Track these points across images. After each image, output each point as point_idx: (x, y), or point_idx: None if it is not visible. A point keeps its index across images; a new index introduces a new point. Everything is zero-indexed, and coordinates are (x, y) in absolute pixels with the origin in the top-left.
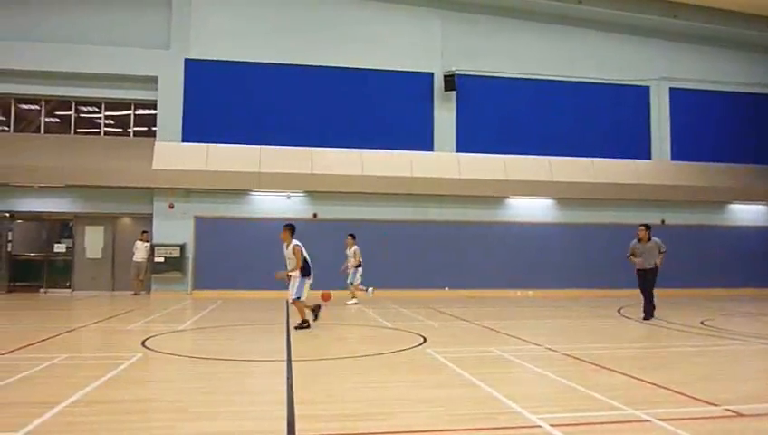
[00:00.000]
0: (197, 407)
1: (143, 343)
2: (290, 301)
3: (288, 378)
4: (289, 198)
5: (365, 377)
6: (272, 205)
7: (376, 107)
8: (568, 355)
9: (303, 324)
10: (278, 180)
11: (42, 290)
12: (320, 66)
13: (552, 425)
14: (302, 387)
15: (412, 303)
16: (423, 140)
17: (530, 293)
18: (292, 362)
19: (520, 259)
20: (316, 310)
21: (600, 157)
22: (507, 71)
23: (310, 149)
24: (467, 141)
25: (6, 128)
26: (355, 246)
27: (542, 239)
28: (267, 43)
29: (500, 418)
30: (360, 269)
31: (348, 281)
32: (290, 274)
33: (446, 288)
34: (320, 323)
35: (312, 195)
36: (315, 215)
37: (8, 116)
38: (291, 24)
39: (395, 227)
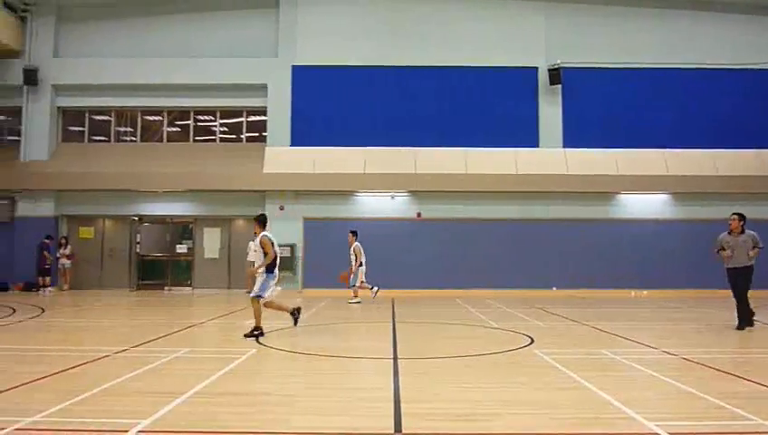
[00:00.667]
0: (308, 401)
1: (256, 339)
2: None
3: (395, 376)
4: (393, 198)
5: (471, 377)
6: (376, 205)
7: (480, 104)
8: (686, 359)
9: (255, 332)
10: (382, 181)
11: (166, 288)
12: (422, 66)
13: (670, 433)
14: (409, 385)
15: (518, 302)
16: (528, 137)
17: (644, 293)
18: (399, 361)
19: (632, 257)
20: (296, 313)
21: (722, 148)
22: (614, 61)
23: (413, 148)
24: (574, 136)
25: (134, 138)
26: (356, 243)
27: (657, 237)
28: (369, 45)
29: (615, 422)
30: (363, 268)
31: (350, 284)
32: (256, 270)
33: (554, 288)
34: (424, 322)
35: (416, 194)
36: (419, 214)
37: (135, 127)
38: (391, 25)
39: (499, 225)
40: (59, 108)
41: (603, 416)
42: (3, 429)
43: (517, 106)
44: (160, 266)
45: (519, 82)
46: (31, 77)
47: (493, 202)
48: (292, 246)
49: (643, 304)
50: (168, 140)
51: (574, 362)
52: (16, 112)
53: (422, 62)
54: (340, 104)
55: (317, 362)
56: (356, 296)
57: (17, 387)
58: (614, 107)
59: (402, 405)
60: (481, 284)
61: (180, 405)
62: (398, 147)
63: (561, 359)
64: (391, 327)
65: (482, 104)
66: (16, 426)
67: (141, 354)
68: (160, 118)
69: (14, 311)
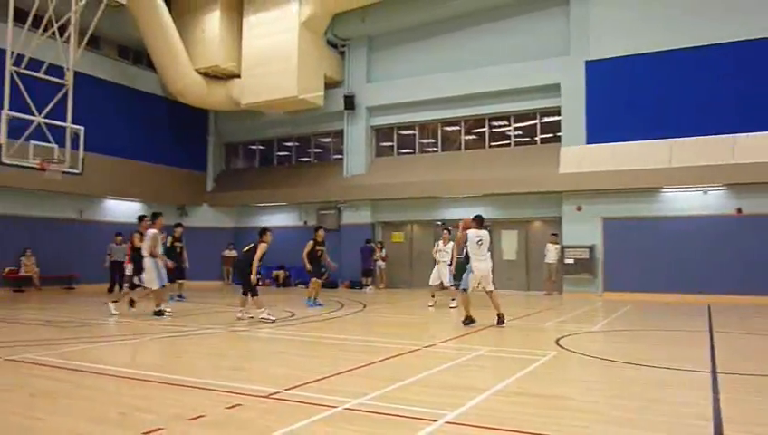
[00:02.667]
0: (611, 410)
1: (557, 342)
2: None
3: (714, 392)
4: (706, 193)
5: None
6: (685, 202)
7: None
8: None
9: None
10: (692, 174)
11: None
12: (727, 43)
13: None
14: (733, 405)
15: None
16: None
17: None
18: (718, 375)
19: None
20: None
21: None
22: None
23: (730, 136)
24: None
25: (436, 149)
26: (451, 243)
27: None
28: (669, 29)
29: None
30: (451, 268)
31: (448, 283)
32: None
33: None
34: (752, 333)
35: (735, 188)
36: (739, 210)
37: (436, 138)
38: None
39: None
40: (372, 127)
41: None
42: (335, 407)
43: None
44: (463, 268)
45: None
46: (349, 102)
47: None
48: (591, 248)
49: None
50: (465, 148)
51: None
52: (339, 134)
53: (726, 37)
54: (637, 95)
55: (621, 370)
56: (453, 298)
57: (344, 372)
58: None
59: (724, 426)
60: None
61: (483, 402)
62: (711, 135)
63: None
64: (708, 337)
65: None
66: (345, 406)
67: (447, 350)
68: (458, 127)
69: (342, 305)
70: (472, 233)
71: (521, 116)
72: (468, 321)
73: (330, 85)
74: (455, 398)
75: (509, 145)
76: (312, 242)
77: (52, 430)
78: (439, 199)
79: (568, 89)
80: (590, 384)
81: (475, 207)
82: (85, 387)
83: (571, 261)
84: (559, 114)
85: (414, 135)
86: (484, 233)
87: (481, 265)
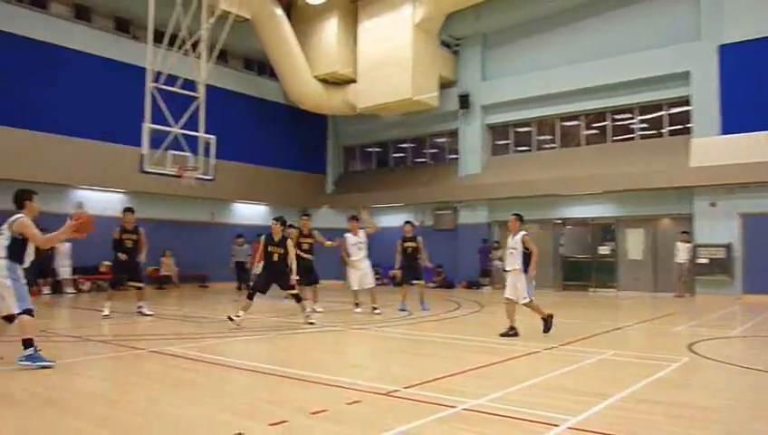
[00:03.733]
0: (751, 422)
1: (689, 347)
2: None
3: None
4: None
5: None
6: None
7: None
8: None
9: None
10: None
11: (590, 289)
12: None
13: None
14: None
15: None
16: None
17: None
18: None
19: None
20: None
21: None
22: None
23: None
24: None
25: (554, 145)
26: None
27: None
28: None
29: None
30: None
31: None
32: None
33: None
34: None
35: None
36: None
37: (554, 134)
38: None
39: None
40: (487, 125)
41: None
42: (453, 407)
43: None
44: (583, 268)
45: None
46: (464, 101)
47: None
48: (728, 246)
49: None
50: (586, 144)
51: None
52: (454, 134)
53: None
54: None
55: (762, 379)
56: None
57: (462, 373)
58: None
59: None
60: None
61: (608, 408)
62: None
63: None
64: None
65: None
66: (463, 407)
67: (568, 353)
68: (577, 122)
69: (459, 306)
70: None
71: (646, 108)
72: (512, 332)
73: (444, 85)
74: (577, 403)
75: (633, 139)
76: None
77: (192, 418)
78: (558, 197)
79: (699, 76)
80: (726, 393)
81: (597, 204)
82: (219, 379)
83: (705, 261)
84: (688, 104)
85: (531, 132)
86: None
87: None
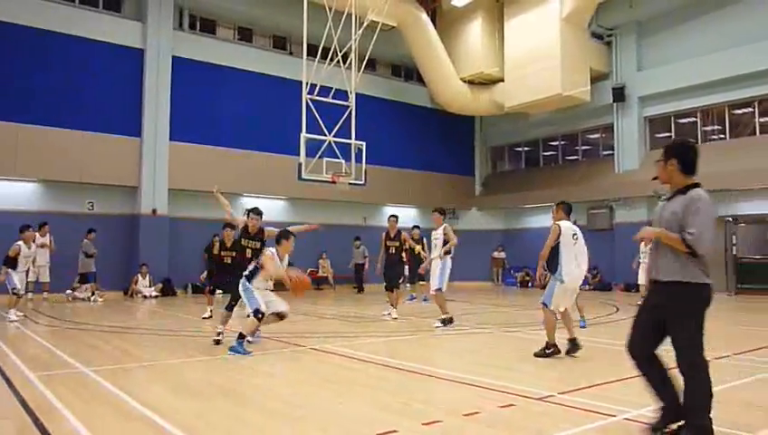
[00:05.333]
0: None
1: None
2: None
3: None
4: None
5: None
6: None
7: None
8: None
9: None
10: None
11: None
12: None
13: None
14: None
15: None
16: None
17: None
18: None
19: None
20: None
21: None
22: None
23: None
24: None
25: (723, 135)
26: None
27: None
28: None
29: None
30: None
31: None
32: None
33: None
34: None
35: None
36: None
37: (723, 124)
38: None
39: None
40: (645, 118)
41: None
42: (613, 416)
43: None
44: (761, 269)
45: None
46: (619, 94)
47: None
48: None
49: None
50: (760, 133)
51: None
52: (609, 129)
53: None
54: None
55: None
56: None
57: (622, 380)
58: None
59: None
60: None
61: None
62: None
63: None
64: None
65: None
66: (624, 416)
67: (744, 362)
68: (750, 109)
69: (617, 310)
70: (566, 225)
71: None
72: (552, 350)
73: (596, 78)
74: (755, 418)
75: None
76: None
77: (349, 413)
78: (729, 192)
79: None
80: None
81: None
82: (373, 377)
83: None
84: None
85: (695, 122)
86: (576, 227)
87: (575, 271)
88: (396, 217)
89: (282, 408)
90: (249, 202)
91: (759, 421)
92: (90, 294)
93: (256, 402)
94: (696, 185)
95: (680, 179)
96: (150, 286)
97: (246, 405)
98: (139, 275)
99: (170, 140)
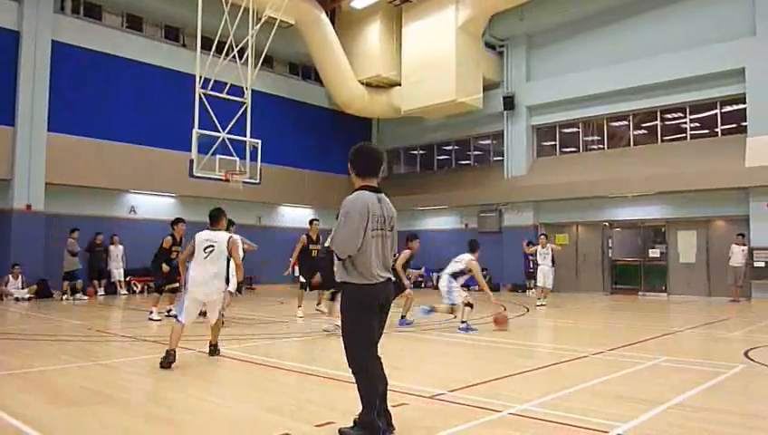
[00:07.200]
0: None
1: (746, 354)
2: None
3: None
4: None
5: None
6: None
7: None
8: None
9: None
10: None
11: (640, 293)
12: None
13: None
14: None
15: None
16: None
17: None
18: None
19: None
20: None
21: None
22: None
23: None
24: None
25: (601, 146)
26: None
27: None
28: None
29: None
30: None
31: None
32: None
33: None
34: None
35: None
36: None
37: (602, 135)
38: None
39: None
40: (533, 126)
41: None
42: (499, 411)
43: None
44: (633, 271)
45: None
46: (509, 103)
47: None
48: None
49: None
50: (634, 144)
51: None
52: (499, 136)
53: None
54: None
55: None
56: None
57: (509, 376)
58: None
59: None
60: None
61: (661, 415)
62: None
63: None
64: None
65: None
66: (509, 411)
67: (617, 358)
68: (626, 122)
69: (505, 309)
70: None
71: (698, 106)
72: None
73: (488, 87)
74: (628, 409)
75: (685, 138)
76: (304, 238)
77: (239, 417)
78: (606, 199)
79: (754, 73)
80: None
81: (647, 206)
82: (265, 380)
83: (762, 264)
84: (744, 102)
85: (577, 132)
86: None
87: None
88: (317, 220)
89: (166, 413)
90: (135, 199)
91: (630, 412)
92: None
93: (139, 408)
94: (362, 188)
95: (356, 182)
96: (23, 288)
97: (128, 412)
98: (10, 276)
99: (49, 130)
